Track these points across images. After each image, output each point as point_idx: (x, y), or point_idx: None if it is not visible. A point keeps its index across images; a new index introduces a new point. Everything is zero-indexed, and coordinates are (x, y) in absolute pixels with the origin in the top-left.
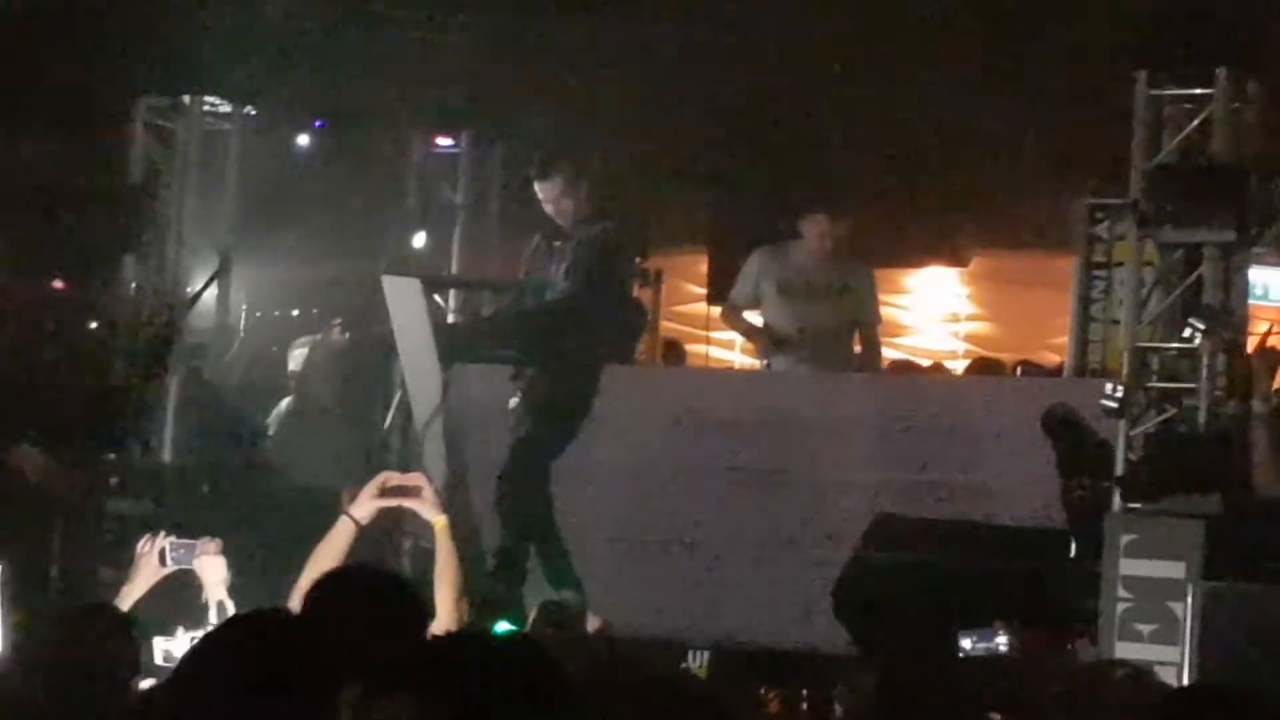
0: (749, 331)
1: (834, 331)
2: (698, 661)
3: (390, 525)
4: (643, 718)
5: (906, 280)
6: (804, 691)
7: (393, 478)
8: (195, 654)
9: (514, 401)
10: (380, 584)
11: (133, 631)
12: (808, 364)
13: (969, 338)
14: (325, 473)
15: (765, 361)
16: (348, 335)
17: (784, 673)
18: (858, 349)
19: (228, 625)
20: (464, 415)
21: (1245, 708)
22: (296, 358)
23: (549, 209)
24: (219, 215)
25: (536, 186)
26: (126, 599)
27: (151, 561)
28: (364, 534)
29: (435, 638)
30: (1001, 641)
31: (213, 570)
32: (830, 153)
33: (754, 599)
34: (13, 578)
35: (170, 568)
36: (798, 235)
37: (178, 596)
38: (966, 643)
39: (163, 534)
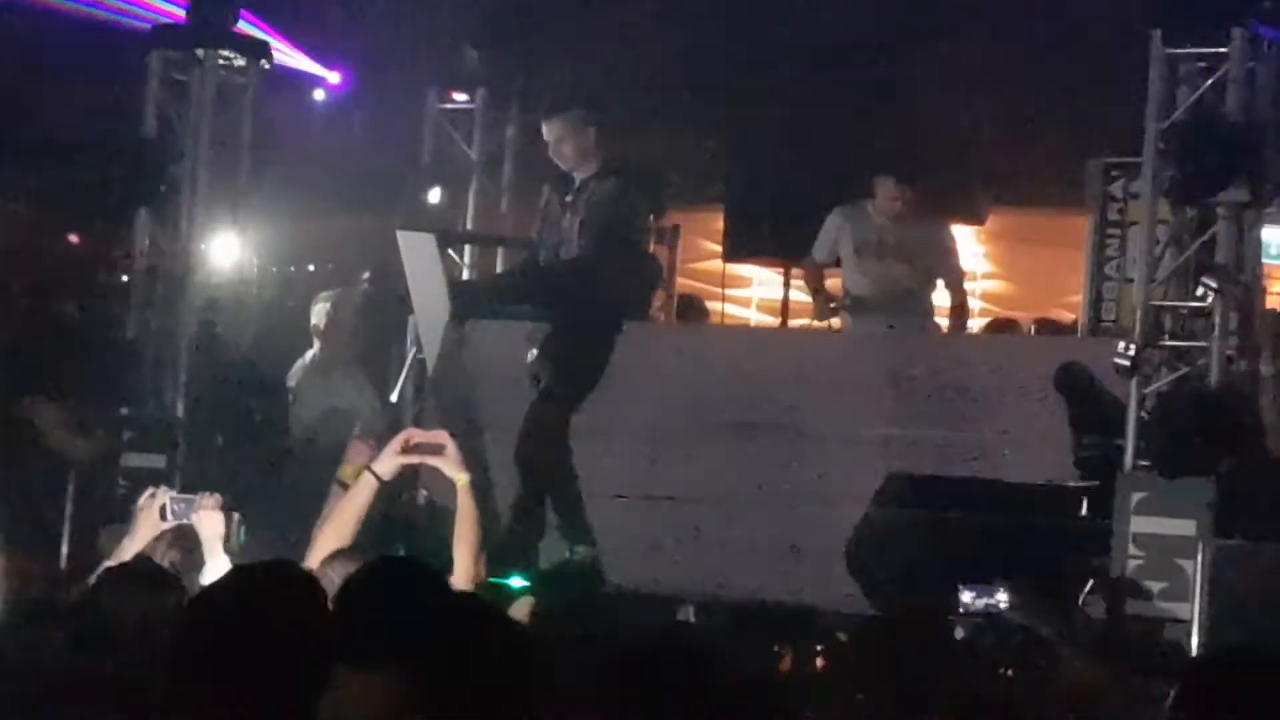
0: (815, 293)
1: (907, 291)
2: (707, 617)
3: (406, 480)
4: (639, 675)
5: None
6: (818, 647)
7: (416, 435)
8: (192, 606)
9: (531, 355)
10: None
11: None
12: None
13: (985, 296)
14: (344, 428)
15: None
16: (364, 289)
17: (798, 629)
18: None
19: (227, 579)
20: (479, 370)
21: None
22: (318, 312)
23: (550, 152)
24: (234, 169)
25: (544, 128)
26: (126, 552)
27: (152, 516)
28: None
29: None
30: (1002, 597)
31: (210, 525)
32: (863, 114)
33: (766, 555)
34: (23, 531)
35: (171, 522)
36: (870, 194)
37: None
38: (966, 597)
39: (164, 488)
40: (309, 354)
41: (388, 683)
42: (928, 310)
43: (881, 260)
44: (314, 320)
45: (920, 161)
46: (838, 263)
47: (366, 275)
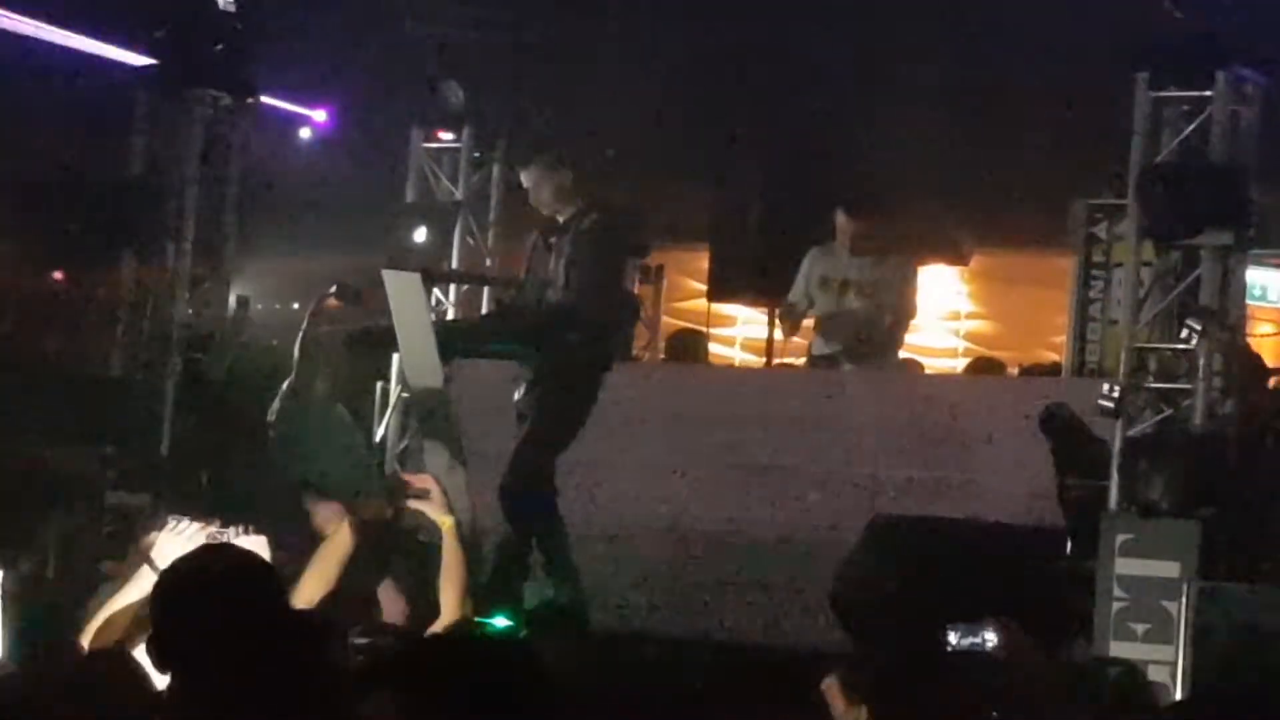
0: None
1: (864, 326)
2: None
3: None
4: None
5: None
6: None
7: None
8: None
9: (517, 395)
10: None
11: None
12: (846, 360)
13: (969, 335)
14: (327, 466)
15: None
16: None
17: (782, 671)
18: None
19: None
20: (465, 410)
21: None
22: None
23: (531, 199)
24: (221, 208)
25: (522, 176)
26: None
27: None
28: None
29: (423, 637)
30: (989, 636)
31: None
32: (837, 151)
33: (752, 596)
34: (12, 579)
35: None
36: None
37: None
38: (953, 636)
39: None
40: (285, 383)
41: (387, 708)
42: (889, 345)
43: (843, 295)
44: (297, 355)
45: (868, 194)
46: (810, 304)
47: (333, 289)
